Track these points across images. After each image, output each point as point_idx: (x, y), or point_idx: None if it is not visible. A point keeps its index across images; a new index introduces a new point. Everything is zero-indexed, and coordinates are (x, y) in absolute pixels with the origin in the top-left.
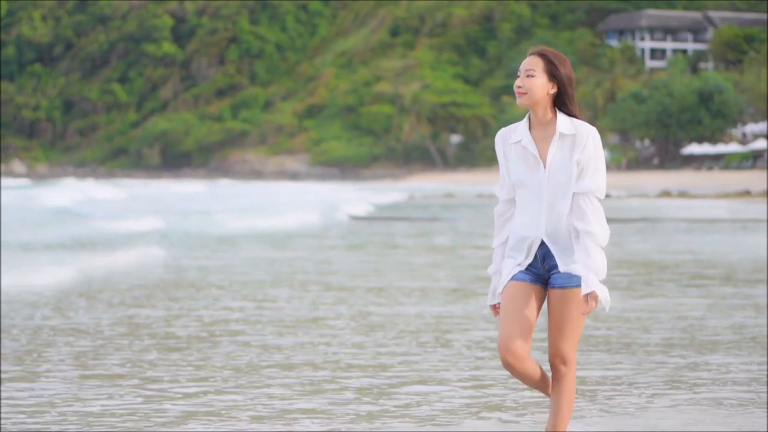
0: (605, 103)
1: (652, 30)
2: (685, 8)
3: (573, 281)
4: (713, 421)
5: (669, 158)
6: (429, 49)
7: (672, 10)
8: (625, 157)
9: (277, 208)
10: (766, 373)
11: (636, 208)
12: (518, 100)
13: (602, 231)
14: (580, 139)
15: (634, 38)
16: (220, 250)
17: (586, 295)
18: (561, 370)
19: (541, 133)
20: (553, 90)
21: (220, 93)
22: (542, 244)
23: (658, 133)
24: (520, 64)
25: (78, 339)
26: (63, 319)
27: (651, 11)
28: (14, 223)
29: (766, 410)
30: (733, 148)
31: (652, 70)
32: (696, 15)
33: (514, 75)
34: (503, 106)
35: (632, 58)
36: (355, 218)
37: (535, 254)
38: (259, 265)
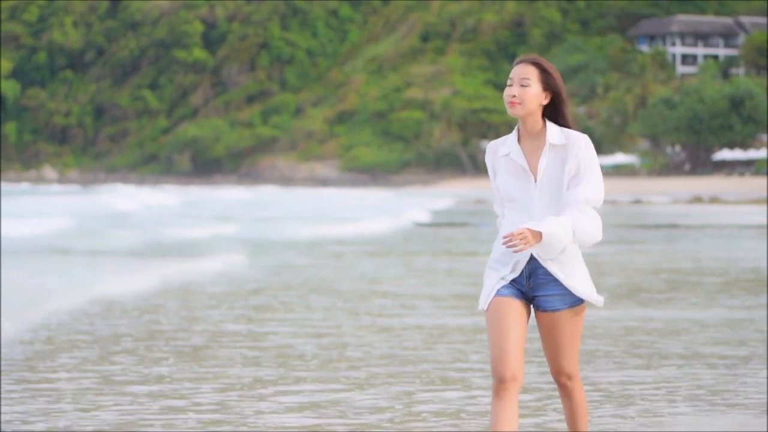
0: (636, 109)
1: (683, 35)
2: (717, 13)
3: (563, 303)
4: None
5: (700, 164)
6: (459, 55)
7: (703, 16)
8: (656, 163)
9: (340, 215)
10: (766, 374)
11: (667, 214)
12: (510, 110)
13: (593, 231)
14: (572, 148)
15: (665, 44)
16: (312, 256)
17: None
18: (567, 386)
19: (531, 144)
20: (546, 100)
21: (251, 99)
22: (530, 260)
23: (689, 138)
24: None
25: (192, 346)
26: (174, 325)
27: (682, 16)
28: (93, 229)
29: (766, 410)
30: (764, 153)
31: (683, 75)
32: (727, 20)
33: None
34: None
35: (663, 64)
36: (419, 225)
37: (522, 270)
38: (365, 273)
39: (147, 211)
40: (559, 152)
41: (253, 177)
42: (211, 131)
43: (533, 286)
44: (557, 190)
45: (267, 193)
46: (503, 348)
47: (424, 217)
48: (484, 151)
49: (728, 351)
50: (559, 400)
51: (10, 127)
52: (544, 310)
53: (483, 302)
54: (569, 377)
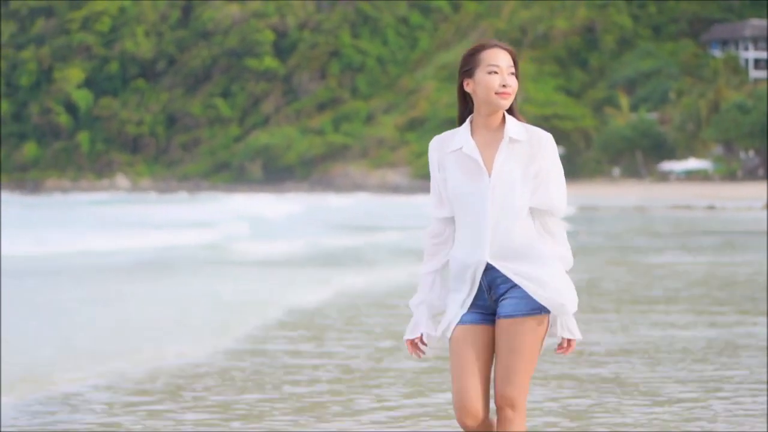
0: (709, 114)
1: (755, 40)
2: None
3: (522, 308)
4: None
5: None
6: (530, 62)
7: None
8: (729, 168)
9: None
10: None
11: (741, 220)
12: (502, 102)
13: (570, 255)
14: (537, 147)
15: (737, 48)
16: None
17: (568, 340)
18: (508, 416)
19: (486, 138)
20: None
21: (322, 107)
22: (487, 269)
23: (762, 143)
24: (619, 75)
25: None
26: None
27: (755, 21)
28: (258, 237)
29: (766, 411)
30: None
31: (756, 80)
32: None
33: (616, 87)
34: (606, 117)
35: (736, 69)
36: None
37: (480, 283)
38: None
39: (290, 218)
40: (519, 149)
41: (325, 184)
42: (282, 139)
43: (496, 299)
44: (512, 190)
45: (364, 201)
46: (465, 386)
47: None
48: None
49: None
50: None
51: (83, 137)
52: (499, 316)
53: (443, 330)
54: (513, 406)
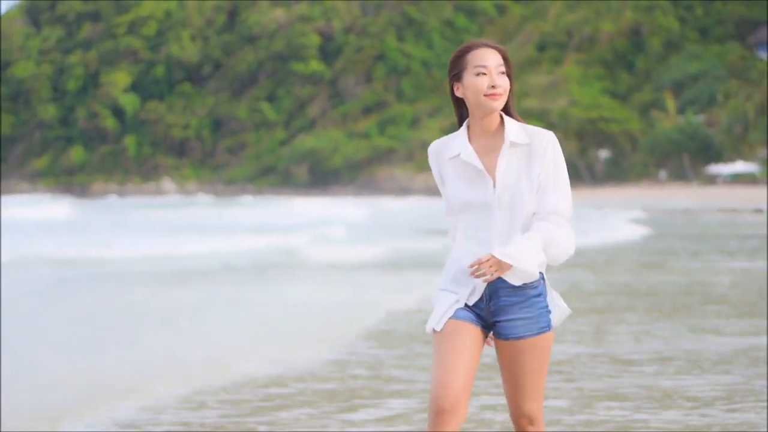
0: (756, 117)
1: None
2: None
3: (532, 329)
4: None
5: None
6: (576, 64)
7: None
8: None
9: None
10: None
11: None
12: (492, 104)
13: (565, 246)
14: (538, 149)
15: None
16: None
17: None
18: (529, 431)
19: (485, 143)
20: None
21: (367, 110)
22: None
23: None
24: (666, 78)
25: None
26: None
27: None
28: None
29: (766, 411)
30: None
31: None
32: None
33: (662, 89)
34: (652, 120)
35: None
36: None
37: (482, 293)
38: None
39: (370, 222)
40: (521, 152)
41: (371, 188)
42: (328, 143)
43: (494, 310)
44: (517, 196)
45: (418, 204)
46: (448, 374)
47: (645, 227)
48: (603, 160)
49: None
50: None
51: (129, 141)
52: (506, 338)
53: (434, 322)
54: (531, 421)
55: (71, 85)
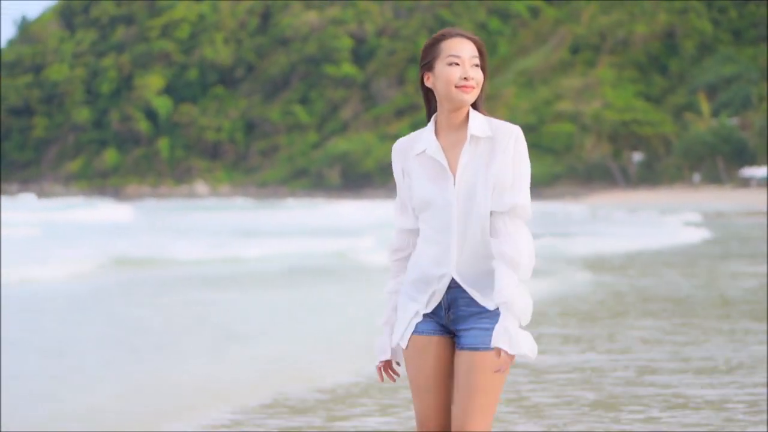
0: None
1: None
2: None
3: (486, 341)
4: None
5: None
6: (610, 67)
7: None
8: None
9: (618, 228)
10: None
11: None
12: (464, 96)
13: (528, 261)
14: (501, 143)
15: None
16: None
17: (498, 350)
18: None
19: (451, 138)
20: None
21: (400, 113)
22: (450, 286)
23: None
24: (700, 80)
25: None
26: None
27: None
28: None
29: (766, 410)
30: None
31: None
32: None
33: (696, 92)
34: (686, 123)
35: None
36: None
37: (440, 300)
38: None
39: None
40: (485, 147)
41: None
42: (361, 145)
43: (453, 319)
44: (476, 194)
45: None
46: (428, 406)
47: (703, 230)
48: (636, 163)
49: None
50: None
51: (162, 143)
52: (462, 348)
53: (398, 337)
54: None
55: (105, 87)
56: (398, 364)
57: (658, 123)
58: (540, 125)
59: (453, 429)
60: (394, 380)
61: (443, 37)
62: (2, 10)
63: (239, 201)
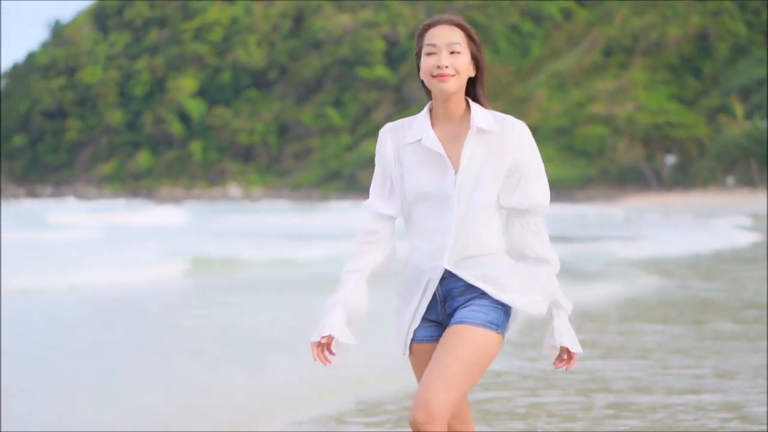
0: None
1: None
2: None
3: (477, 318)
4: None
5: None
6: (643, 69)
7: None
8: None
9: (661, 231)
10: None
11: None
12: (441, 86)
13: (554, 256)
14: (511, 139)
15: None
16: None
17: (568, 351)
18: (419, 426)
19: (449, 129)
20: (473, 73)
21: None
22: (444, 277)
23: None
24: (733, 82)
25: None
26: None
27: None
28: None
29: (766, 408)
30: None
31: None
32: None
33: (730, 94)
34: (719, 125)
35: None
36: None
37: (435, 293)
38: None
39: None
40: (490, 140)
41: None
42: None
43: (450, 311)
44: (482, 186)
45: None
46: (421, 397)
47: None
48: (670, 166)
49: None
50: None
51: (196, 146)
52: (450, 324)
53: (398, 346)
54: (430, 413)
55: (138, 90)
56: (332, 353)
57: (691, 125)
58: (573, 128)
59: (415, 396)
60: (325, 365)
61: (428, 27)
62: (36, 11)
63: (278, 204)
